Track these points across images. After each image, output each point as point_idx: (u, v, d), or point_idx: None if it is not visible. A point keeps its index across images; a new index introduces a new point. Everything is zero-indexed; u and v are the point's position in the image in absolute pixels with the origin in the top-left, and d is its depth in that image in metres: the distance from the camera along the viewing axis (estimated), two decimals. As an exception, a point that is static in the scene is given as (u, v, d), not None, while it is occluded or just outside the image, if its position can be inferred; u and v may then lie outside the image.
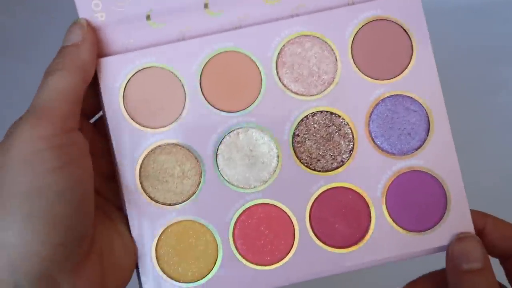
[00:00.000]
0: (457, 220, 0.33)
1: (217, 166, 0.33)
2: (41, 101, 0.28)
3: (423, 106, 0.33)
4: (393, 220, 0.33)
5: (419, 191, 0.33)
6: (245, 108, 0.33)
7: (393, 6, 0.33)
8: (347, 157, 0.33)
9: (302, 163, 0.33)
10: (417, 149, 0.33)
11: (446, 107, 0.33)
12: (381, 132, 0.33)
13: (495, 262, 0.32)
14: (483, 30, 0.60)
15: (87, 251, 0.29)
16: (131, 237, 0.32)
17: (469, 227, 0.33)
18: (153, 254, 0.32)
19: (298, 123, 0.33)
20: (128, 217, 0.32)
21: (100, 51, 0.33)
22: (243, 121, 0.33)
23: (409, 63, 0.33)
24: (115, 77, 0.33)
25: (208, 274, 0.32)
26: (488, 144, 0.58)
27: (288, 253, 0.33)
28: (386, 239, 0.33)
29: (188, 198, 0.33)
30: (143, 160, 0.33)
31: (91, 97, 0.33)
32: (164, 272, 0.32)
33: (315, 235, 0.33)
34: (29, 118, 0.28)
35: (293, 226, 0.33)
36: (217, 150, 0.33)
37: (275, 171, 0.33)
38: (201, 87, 0.33)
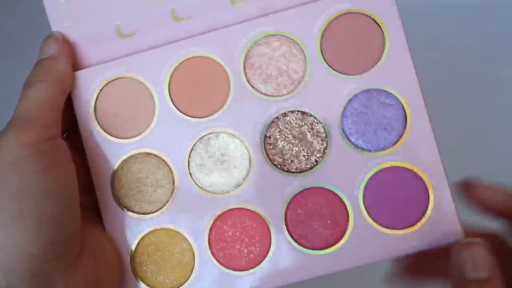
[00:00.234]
0: (441, 216, 0.31)
1: (190, 173, 0.33)
2: (24, 110, 0.29)
3: (398, 100, 0.32)
4: (372, 219, 0.32)
5: (399, 187, 0.32)
6: (215, 113, 0.32)
7: (362, -2, 0.32)
8: (320, 156, 0.32)
9: (275, 165, 0.32)
10: (393, 144, 0.32)
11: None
12: (356, 129, 0.32)
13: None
14: (483, 30, 0.59)
15: (78, 251, 0.29)
16: None
17: (455, 223, 0.31)
18: (131, 263, 0.32)
19: (269, 125, 0.32)
20: (106, 228, 0.33)
21: (73, 65, 0.33)
22: (213, 126, 0.32)
23: (381, 56, 0.32)
24: (86, 90, 0.33)
25: (186, 282, 0.32)
26: (487, 144, 0.56)
27: (265, 257, 0.32)
28: (365, 238, 0.32)
29: (163, 207, 0.33)
30: (117, 170, 0.33)
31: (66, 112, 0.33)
32: (143, 281, 0.32)
33: (292, 237, 0.32)
34: (13, 127, 0.28)
35: (269, 229, 0.32)
36: (189, 156, 0.33)
37: (247, 175, 0.32)
38: (170, 95, 0.33)
